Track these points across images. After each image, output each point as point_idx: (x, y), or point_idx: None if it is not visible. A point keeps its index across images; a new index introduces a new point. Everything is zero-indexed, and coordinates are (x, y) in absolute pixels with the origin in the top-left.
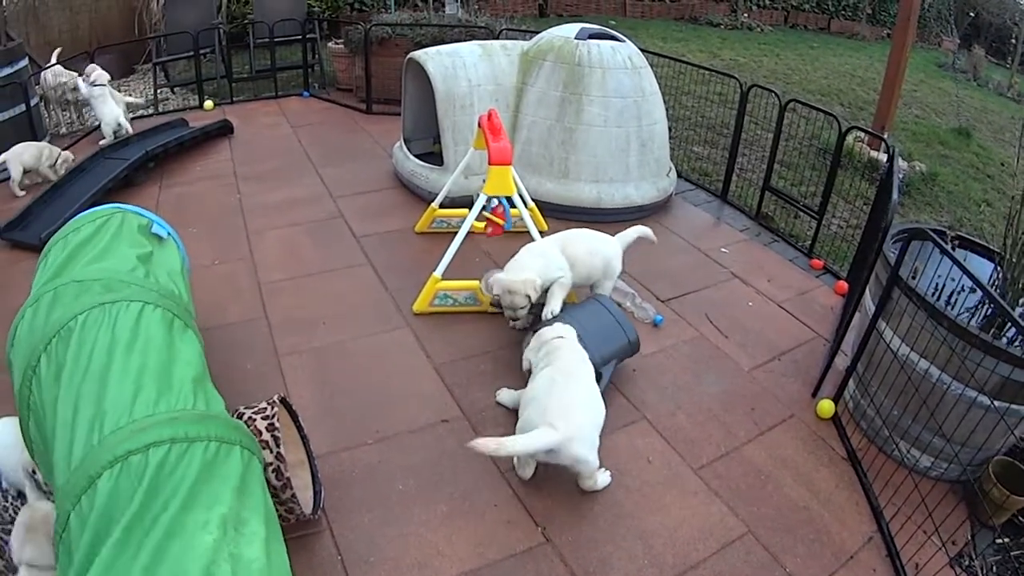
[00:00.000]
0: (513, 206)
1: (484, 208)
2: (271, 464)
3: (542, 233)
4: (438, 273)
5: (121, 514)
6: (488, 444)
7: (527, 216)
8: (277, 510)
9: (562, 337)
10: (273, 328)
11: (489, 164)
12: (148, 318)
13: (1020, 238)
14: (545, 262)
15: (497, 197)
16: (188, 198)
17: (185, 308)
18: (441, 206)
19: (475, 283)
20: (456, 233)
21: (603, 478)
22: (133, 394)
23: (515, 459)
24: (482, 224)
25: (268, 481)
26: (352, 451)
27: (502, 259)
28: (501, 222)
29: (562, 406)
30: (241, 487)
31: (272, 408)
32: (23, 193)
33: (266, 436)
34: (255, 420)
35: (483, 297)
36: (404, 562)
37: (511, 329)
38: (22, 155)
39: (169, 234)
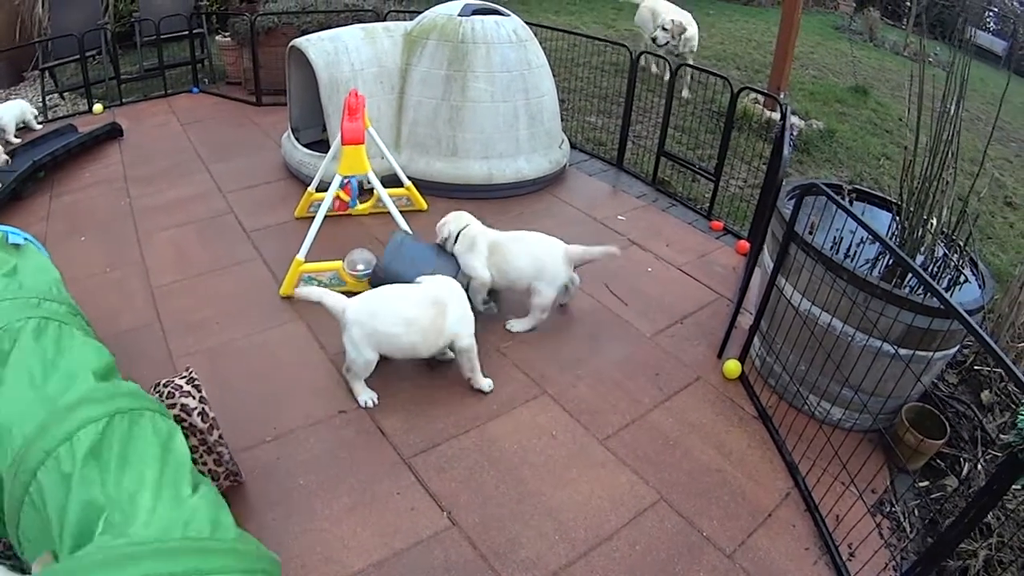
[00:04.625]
0: (368, 187)
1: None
2: (196, 408)
3: (418, 213)
4: (301, 256)
5: None
6: None
7: (386, 197)
8: (207, 463)
9: None
10: (166, 332)
11: (341, 144)
12: None
13: (916, 188)
14: None
15: (350, 177)
16: (78, 206)
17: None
18: (317, 189)
19: (338, 263)
20: (330, 215)
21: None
22: None
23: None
24: (365, 205)
25: (195, 425)
26: (251, 450)
27: (382, 237)
28: (347, 198)
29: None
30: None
31: (187, 371)
32: None
33: (187, 387)
34: (173, 380)
35: (346, 277)
36: (311, 559)
37: None
38: None
39: (26, 239)
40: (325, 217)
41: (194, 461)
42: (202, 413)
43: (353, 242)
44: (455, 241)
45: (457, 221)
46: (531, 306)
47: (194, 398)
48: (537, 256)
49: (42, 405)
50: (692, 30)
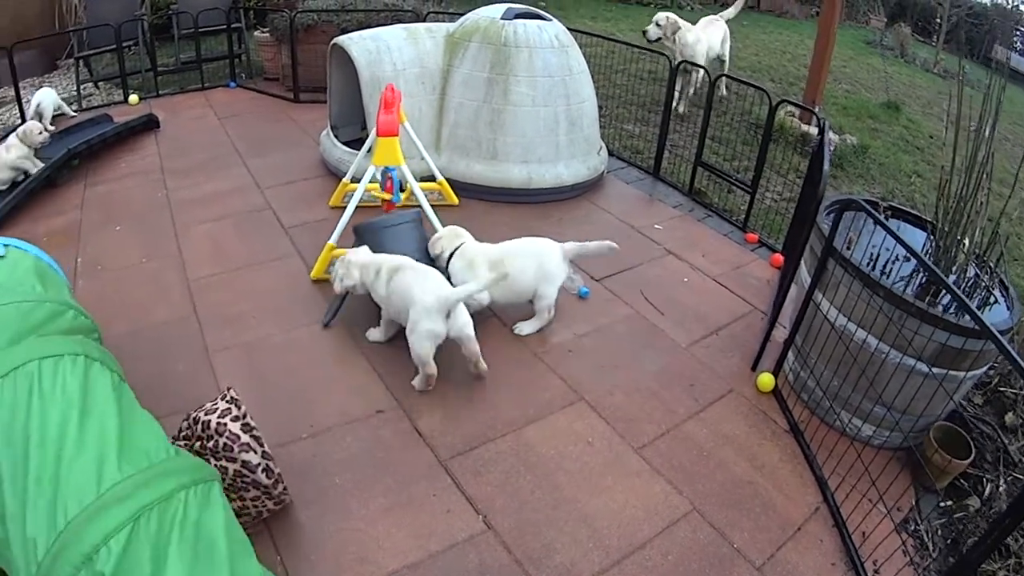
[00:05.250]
0: (399, 184)
1: (380, 182)
2: (259, 464)
3: (448, 207)
4: (332, 240)
5: None
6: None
7: (419, 192)
8: (266, 505)
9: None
10: (203, 325)
11: (376, 136)
12: None
13: (951, 207)
14: None
15: (386, 168)
16: (114, 195)
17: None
18: (353, 180)
19: None
20: (363, 205)
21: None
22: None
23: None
24: (389, 196)
25: (259, 482)
26: (287, 446)
27: None
28: (389, 196)
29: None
30: None
31: (238, 407)
32: None
33: (245, 438)
34: (226, 424)
35: None
36: (345, 558)
37: None
38: None
39: (6, 245)
40: (357, 206)
41: (253, 506)
42: (267, 469)
43: None
44: (448, 260)
45: (451, 239)
46: (536, 308)
47: (256, 452)
48: (540, 264)
49: (56, 508)
50: (691, 37)
